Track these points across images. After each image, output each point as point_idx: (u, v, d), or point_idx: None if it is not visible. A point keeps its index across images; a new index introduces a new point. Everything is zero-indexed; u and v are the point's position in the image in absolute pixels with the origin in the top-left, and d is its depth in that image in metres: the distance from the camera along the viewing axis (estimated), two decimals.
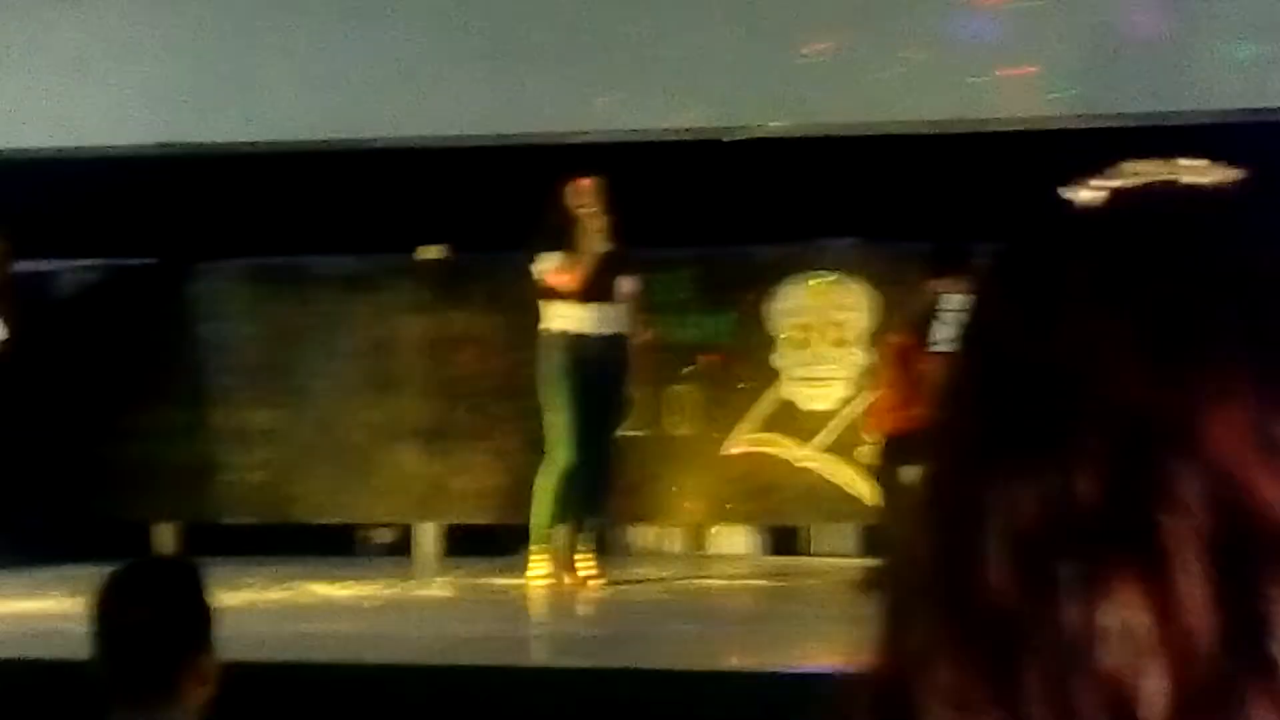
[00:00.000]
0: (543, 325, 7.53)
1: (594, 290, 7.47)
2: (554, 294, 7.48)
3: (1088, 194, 0.76)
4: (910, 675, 0.70)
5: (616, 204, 7.52)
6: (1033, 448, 0.69)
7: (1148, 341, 0.69)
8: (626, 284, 7.66)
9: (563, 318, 7.49)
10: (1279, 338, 0.70)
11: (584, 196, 7.46)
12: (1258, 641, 0.66)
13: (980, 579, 0.69)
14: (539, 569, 7.46)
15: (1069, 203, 0.76)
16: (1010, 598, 0.68)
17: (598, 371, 7.44)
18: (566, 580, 7.44)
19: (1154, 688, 0.66)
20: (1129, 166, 0.76)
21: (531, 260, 7.50)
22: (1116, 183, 0.76)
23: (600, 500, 7.63)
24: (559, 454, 7.41)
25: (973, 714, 0.68)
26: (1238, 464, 0.67)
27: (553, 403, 7.45)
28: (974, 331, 0.76)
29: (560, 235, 7.44)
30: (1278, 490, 0.67)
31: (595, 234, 7.42)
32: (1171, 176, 0.76)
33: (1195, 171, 0.76)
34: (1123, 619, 0.66)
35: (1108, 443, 0.68)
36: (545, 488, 7.46)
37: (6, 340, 8.24)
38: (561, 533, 7.58)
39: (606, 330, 7.53)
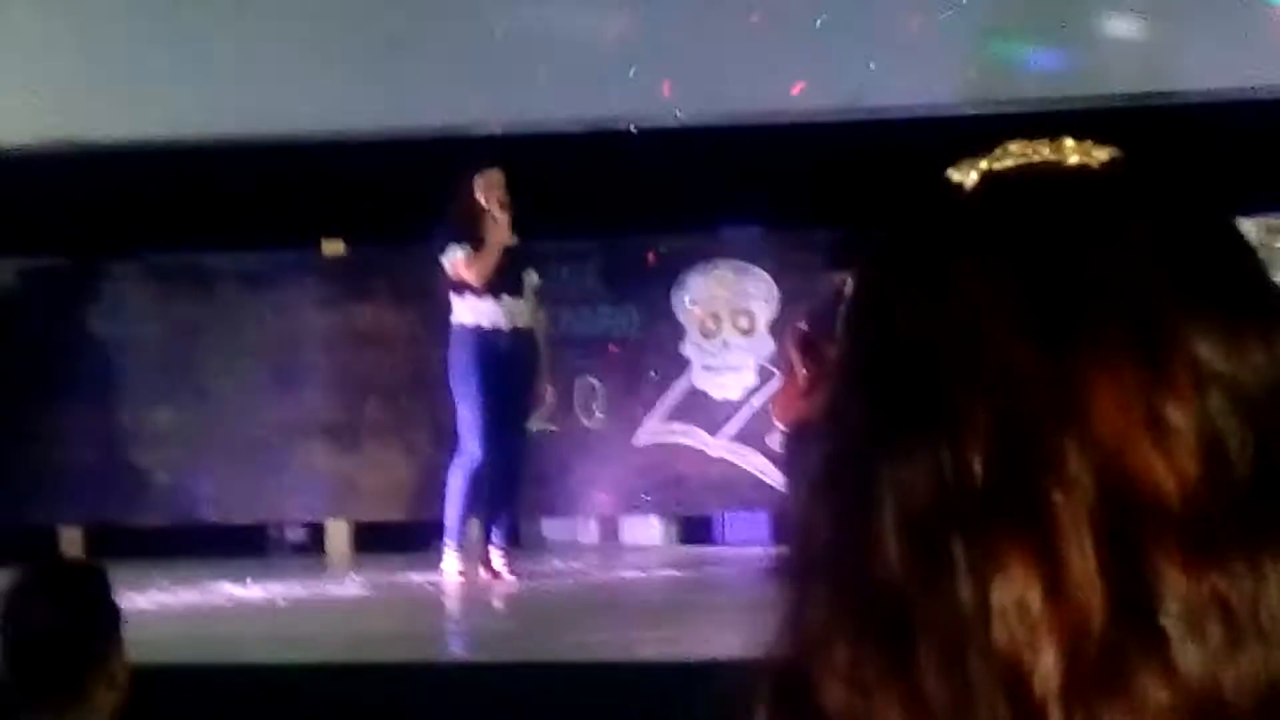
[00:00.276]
0: (454, 318, 7.52)
1: (501, 283, 7.45)
2: (464, 287, 7.46)
3: (970, 174, 0.76)
4: (809, 655, 0.71)
5: (519, 195, 7.51)
6: (921, 427, 0.70)
7: (1031, 319, 0.70)
8: (531, 277, 7.65)
9: (473, 311, 7.47)
10: (1157, 312, 0.70)
11: (492, 188, 7.43)
12: (1148, 614, 0.67)
13: (875, 558, 0.70)
14: (452, 564, 7.44)
15: (951, 183, 0.76)
16: (904, 576, 0.69)
17: (508, 365, 7.43)
18: (482, 574, 7.42)
19: (1047, 662, 0.67)
20: (1014, 146, 0.77)
21: (440, 252, 7.47)
22: (1000, 164, 0.76)
23: (513, 494, 7.62)
24: (470, 448, 7.40)
25: (869, 692, 0.69)
26: (1124, 438, 0.68)
27: (463, 396, 7.43)
28: (859, 313, 0.76)
29: (467, 227, 7.42)
30: (1162, 463, 0.68)
31: (503, 226, 7.41)
32: (1055, 157, 0.76)
33: (1081, 152, 0.76)
34: (1015, 595, 0.67)
35: (995, 420, 0.69)
36: (457, 482, 7.45)
37: None
38: (474, 527, 7.57)
39: (516, 324, 7.52)
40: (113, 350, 9.01)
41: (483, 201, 7.41)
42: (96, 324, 9.05)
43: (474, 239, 7.41)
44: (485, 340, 7.43)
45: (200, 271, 9.17)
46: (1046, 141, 0.77)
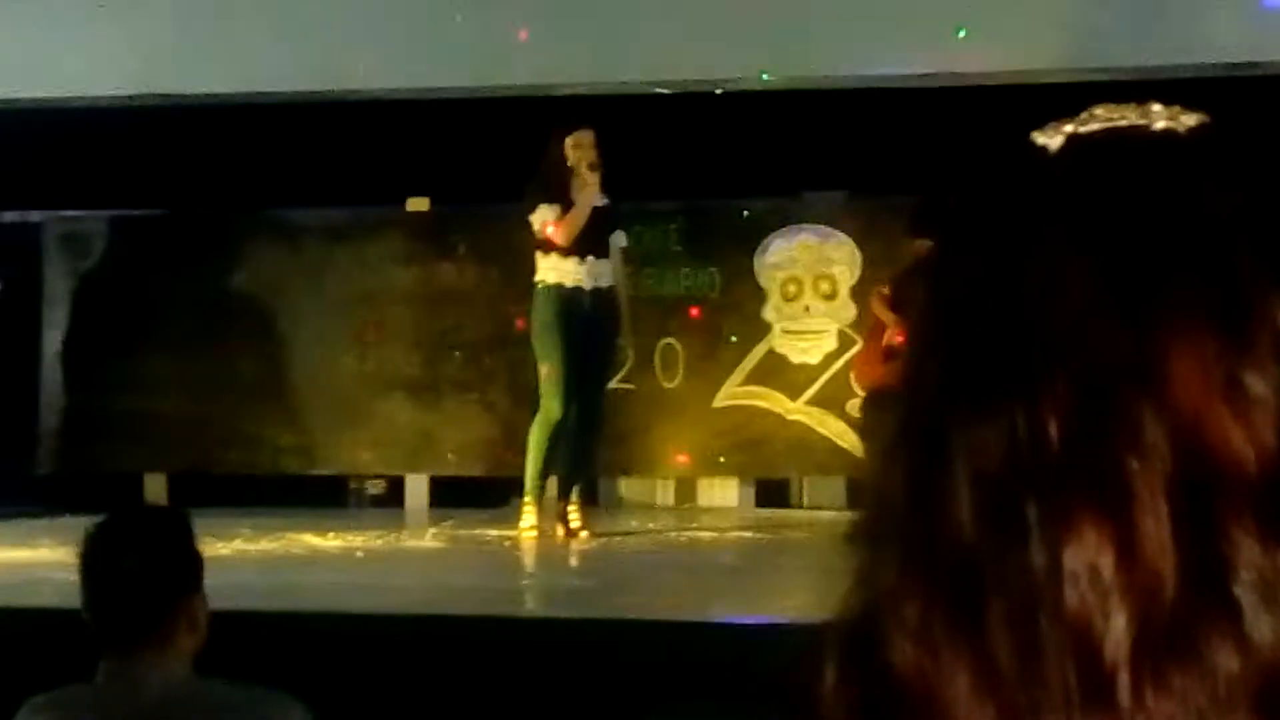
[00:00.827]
0: (538, 277, 7.54)
1: (587, 244, 7.46)
2: (549, 246, 7.48)
3: (1054, 138, 0.76)
4: (879, 613, 0.71)
5: (606, 156, 7.51)
6: (999, 391, 0.70)
7: (1111, 285, 0.70)
8: (618, 238, 7.66)
9: (556, 270, 7.49)
10: (1241, 281, 0.70)
11: (582, 149, 7.44)
12: (1221, 583, 0.67)
13: (947, 519, 0.70)
14: (529, 519, 7.49)
15: (1034, 147, 0.76)
16: (976, 537, 0.69)
17: (589, 325, 7.45)
18: (559, 532, 7.46)
19: (1118, 628, 0.67)
20: (1100, 110, 0.77)
21: (530, 211, 7.49)
22: (1085, 127, 0.76)
23: (592, 453, 7.64)
24: (551, 406, 7.43)
25: (938, 651, 0.69)
26: (1202, 406, 0.68)
27: (545, 355, 7.46)
28: (940, 274, 0.76)
29: (557, 187, 7.43)
30: (1241, 432, 0.68)
31: (592, 187, 7.41)
32: (1142, 122, 0.76)
33: (1167, 117, 0.76)
34: (1087, 560, 0.67)
35: (1073, 386, 0.69)
36: (537, 439, 7.48)
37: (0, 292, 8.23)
38: (552, 485, 7.60)
39: (599, 284, 7.53)
40: (199, 302, 9.10)
41: (572, 162, 7.42)
42: (184, 276, 9.15)
43: (563, 199, 7.42)
44: (568, 299, 7.44)
45: (287, 226, 9.24)
46: (1134, 105, 0.76)
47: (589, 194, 7.41)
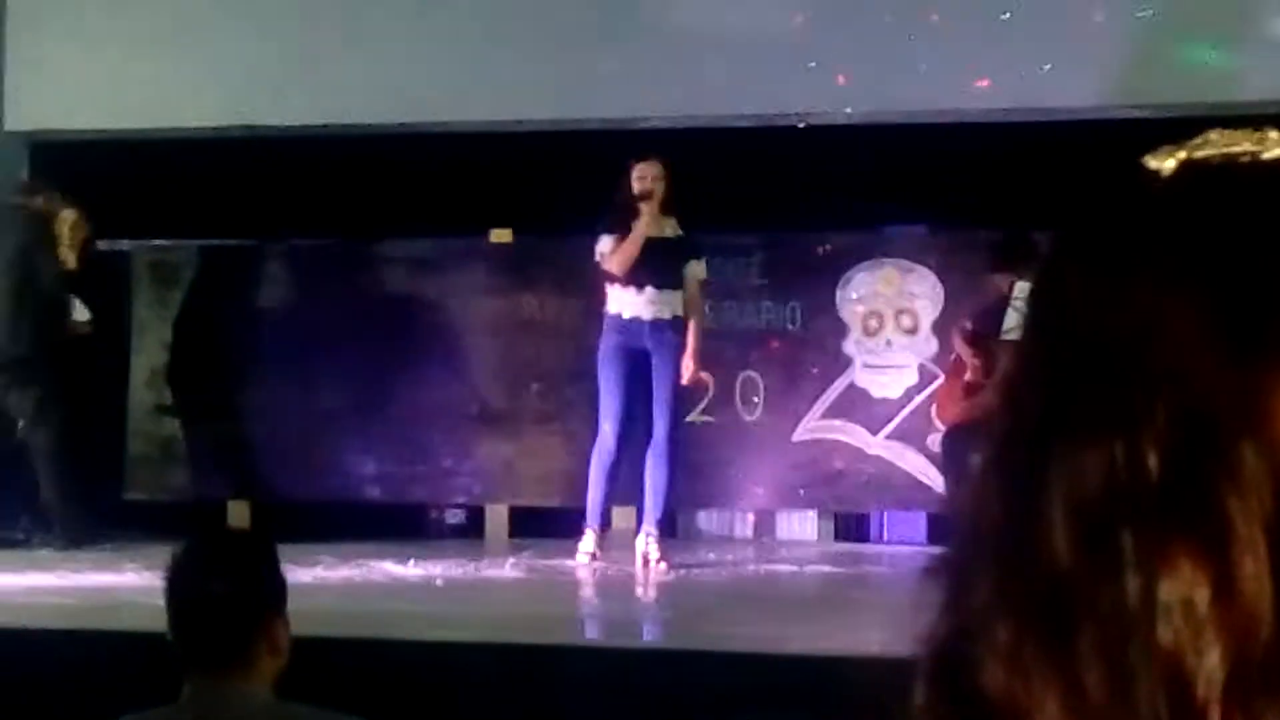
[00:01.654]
0: (605, 307, 7.61)
1: (650, 274, 7.49)
2: (611, 277, 7.54)
3: (1167, 163, 0.74)
4: (970, 635, 0.71)
5: (686, 188, 7.53)
6: (1100, 420, 0.69)
7: (1218, 319, 0.69)
8: (696, 269, 7.67)
9: (617, 300, 7.55)
10: None
11: (644, 180, 7.48)
12: None
13: (1043, 544, 0.69)
14: (588, 545, 7.53)
15: (1145, 172, 0.75)
16: (1071, 563, 0.69)
17: (647, 355, 7.49)
18: (639, 563, 7.48)
19: (1212, 664, 0.66)
20: (1214, 136, 0.75)
21: (597, 241, 7.56)
22: (1200, 153, 0.74)
23: (664, 483, 7.64)
24: (605, 433, 7.51)
25: (1029, 675, 0.69)
26: None
27: (602, 383, 7.55)
28: (1045, 303, 0.75)
29: (619, 217, 7.48)
30: None
31: (649, 216, 7.44)
32: (1257, 149, 0.74)
33: None
34: (1183, 594, 0.66)
35: (1173, 418, 0.68)
36: (593, 467, 7.56)
37: (90, 321, 8.34)
38: (630, 515, 7.63)
39: (659, 314, 7.54)
40: (284, 331, 9.19)
41: (635, 192, 7.47)
42: (270, 305, 9.24)
43: (624, 229, 7.47)
44: (624, 329, 7.50)
45: (372, 256, 9.32)
46: (1249, 131, 0.75)
47: (641, 225, 7.43)
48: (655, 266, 7.48)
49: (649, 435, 7.52)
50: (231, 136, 8.95)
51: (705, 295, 7.83)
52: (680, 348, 7.58)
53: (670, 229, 7.53)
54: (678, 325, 7.58)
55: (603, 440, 7.52)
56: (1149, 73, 8.03)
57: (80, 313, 8.31)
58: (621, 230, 7.47)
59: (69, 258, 8.26)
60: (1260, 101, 7.48)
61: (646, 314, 7.51)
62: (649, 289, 7.50)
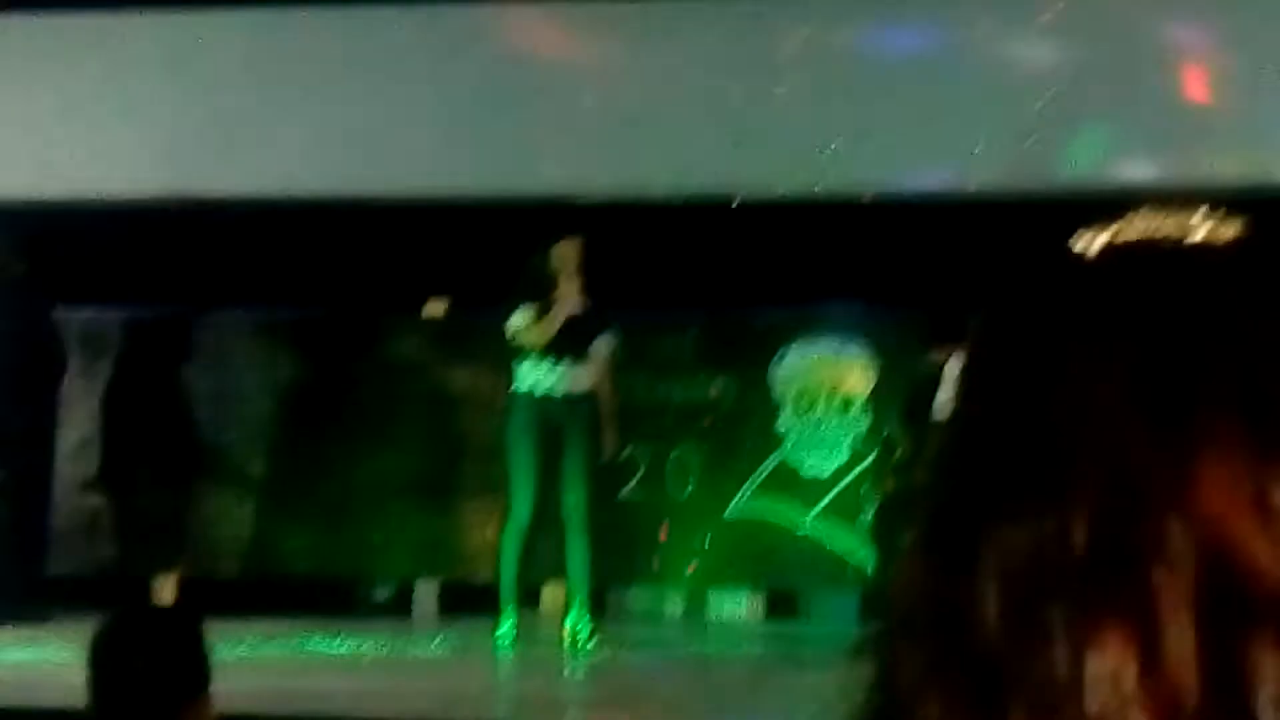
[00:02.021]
0: (513, 385, 7.61)
1: (562, 350, 7.51)
2: (524, 353, 7.55)
3: (1092, 245, 0.76)
4: (899, 711, 0.71)
5: (620, 264, 7.56)
6: (1029, 496, 0.70)
7: (1143, 395, 0.70)
8: (603, 345, 7.69)
9: (529, 378, 7.55)
10: (1271, 397, 0.70)
11: (564, 257, 7.53)
12: (1241, 698, 0.67)
13: (973, 619, 0.70)
14: (507, 625, 7.49)
15: (1068, 253, 0.76)
16: (1001, 637, 0.69)
17: (559, 432, 7.49)
18: (567, 642, 7.43)
19: None
20: (1137, 219, 0.77)
21: (506, 318, 7.60)
22: (1122, 236, 0.76)
23: (585, 559, 7.59)
24: (518, 512, 7.48)
25: None
26: (1228, 521, 0.68)
27: (512, 462, 7.52)
28: (974, 381, 0.77)
29: (540, 294, 7.51)
30: (1267, 548, 0.68)
31: (567, 294, 7.45)
32: (1178, 234, 0.76)
33: (1206, 228, 0.76)
34: (1110, 667, 0.67)
35: (1101, 493, 0.69)
36: (507, 546, 7.53)
37: None
38: (553, 592, 7.60)
39: (572, 389, 7.56)
40: (212, 403, 9.12)
41: (552, 270, 7.51)
42: (194, 377, 9.16)
43: (544, 306, 7.49)
44: (536, 406, 7.50)
45: (303, 328, 9.27)
46: (1172, 214, 0.76)
47: (563, 304, 7.47)
48: (569, 341, 7.51)
49: (563, 512, 7.51)
50: (162, 205, 8.90)
51: (610, 369, 7.82)
52: (593, 423, 7.58)
53: (580, 305, 7.57)
54: (590, 399, 7.59)
55: (516, 520, 7.51)
56: (1071, 156, 8.13)
57: None
58: (533, 305, 7.48)
59: None
60: (1185, 186, 7.57)
61: (560, 389, 7.53)
62: (564, 364, 7.53)
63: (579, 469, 7.56)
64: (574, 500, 7.53)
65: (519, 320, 7.53)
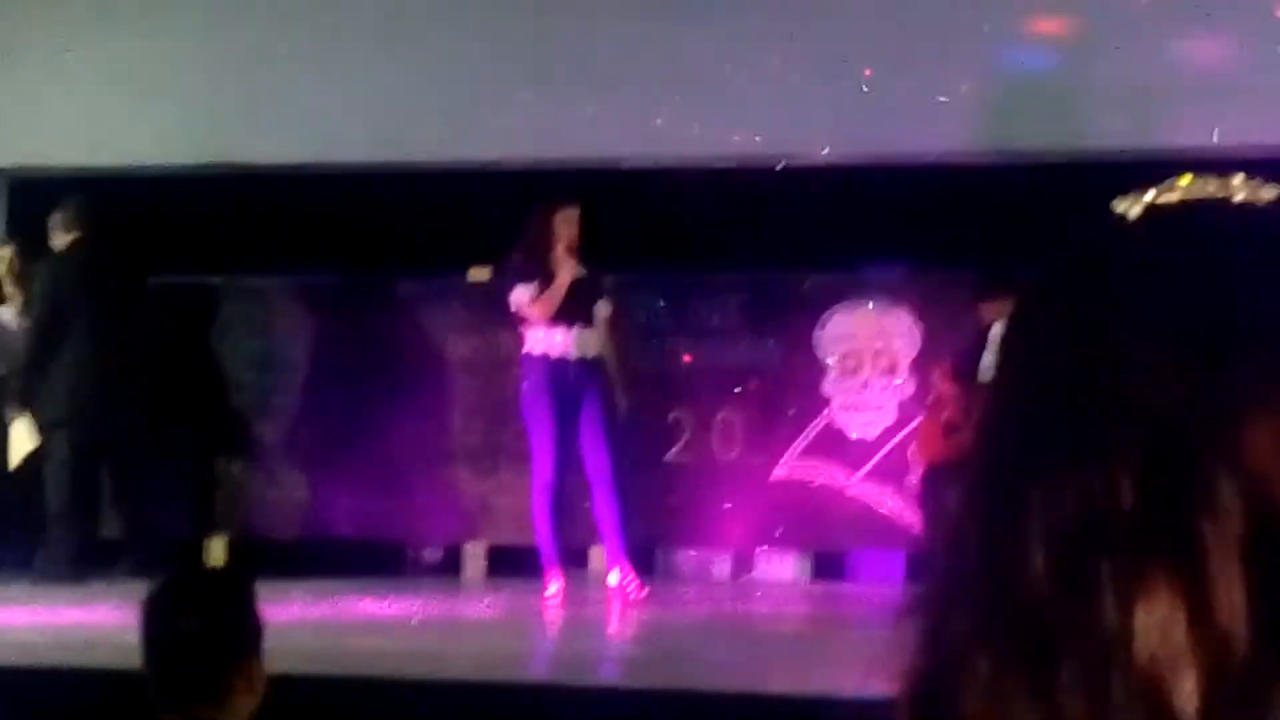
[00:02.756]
0: (525, 348, 7.66)
1: (571, 314, 7.55)
2: (532, 322, 7.58)
3: (1134, 207, 0.77)
4: (950, 666, 0.72)
5: (664, 229, 7.57)
6: (1076, 452, 0.71)
7: (1187, 352, 0.71)
8: (602, 308, 7.70)
9: (539, 343, 7.60)
10: None
11: (568, 225, 7.55)
12: None
13: (1021, 574, 0.71)
14: (553, 588, 7.57)
15: (1115, 214, 0.77)
16: (1049, 593, 0.70)
17: (577, 394, 7.52)
18: (617, 601, 7.49)
19: (1188, 686, 0.67)
20: (1181, 181, 0.78)
21: (509, 290, 7.62)
22: (1165, 198, 0.77)
23: (620, 518, 7.63)
24: (540, 472, 7.56)
25: (1009, 705, 0.70)
26: (1274, 469, 0.69)
27: (533, 425, 7.57)
28: (1018, 337, 0.78)
29: (539, 261, 7.53)
30: None
31: (569, 261, 7.49)
32: (1222, 194, 0.77)
33: (1249, 190, 0.77)
34: (1159, 618, 0.68)
35: (1148, 447, 0.70)
36: (537, 508, 7.60)
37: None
38: (598, 555, 7.65)
39: (585, 354, 7.60)
40: (261, 368, 9.18)
41: (556, 238, 7.53)
42: (246, 342, 9.22)
43: (544, 274, 7.52)
44: (551, 370, 7.55)
45: (349, 294, 9.31)
46: (1215, 177, 0.77)
47: (565, 274, 7.52)
48: (576, 306, 7.56)
49: (590, 475, 7.55)
50: (208, 174, 8.95)
51: (612, 332, 7.84)
52: (607, 384, 7.59)
53: (580, 270, 7.58)
54: (599, 363, 7.63)
55: (542, 483, 7.58)
56: (1125, 117, 8.07)
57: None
58: (534, 275, 7.51)
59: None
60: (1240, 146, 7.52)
61: (574, 353, 7.58)
62: (576, 328, 7.57)
63: (598, 430, 7.60)
64: (598, 461, 7.57)
65: (524, 294, 7.55)
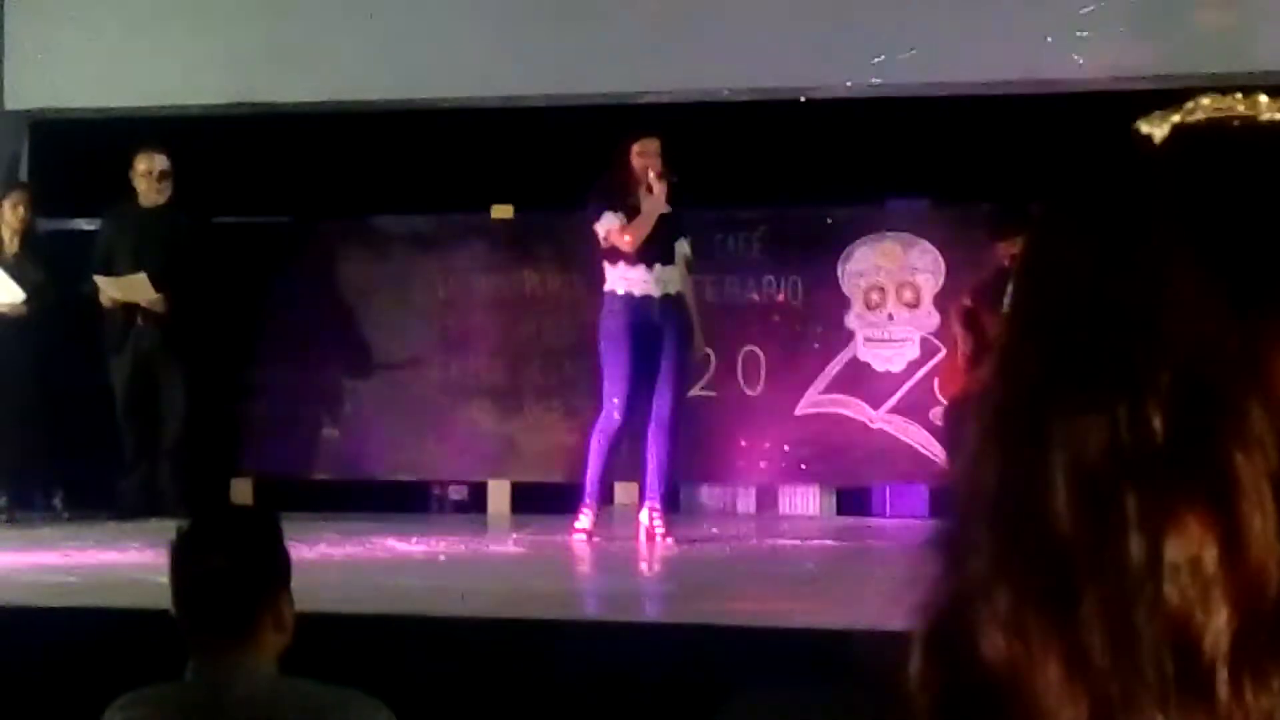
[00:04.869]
0: (606, 286, 7.58)
1: (655, 252, 7.48)
2: (616, 255, 7.51)
3: (1160, 127, 0.74)
4: (969, 602, 0.71)
5: (687, 163, 7.52)
6: (1102, 382, 0.69)
7: (1218, 277, 0.69)
8: (682, 245, 7.66)
9: (625, 279, 7.52)
10: None
11: (648, 156, 7.45)
12: None
13: (1044, 508, 0.69)
14: (584, 522, 7.54)
15: (1139, 135, 0.75)
16: (1073, 527, 0.68)
17: (658, 332, 7.47)
18: (642, 537, 7.50)
19: (1220, 623, 0.66)
20: (1206, 101, 0.75)
21: (594, 219, 7.52)
22: (1191, 117, 0.75)
23: (668, 459, 7.64)
24: (612, 412, 7.49)
25: (1030, 641, 0.69)
26: None
27: (610, 363, 7.51)
28: (1039, 264, 0.75)
29: (622, 195, 7.46)
30: None
31: (658, 195, 7.42)
32: (1250, 113, 0.74)
33: (1276, 108, 0.74)
34: (1190, 553, 0.66)
35: (1178, 378, 0.68)
36: (597, 444, 7.55)
37: (24, 301, 8.27)
38: (632, 491, 7.64)
39: (667, 290, 7.54)
40: (287, 308, 9.19)
41: (638, 169, 7.44)
42: (272, 282, 9.23)
43: (628, 207, 7.44)
44: (636, 307, 7.47)
45: (372, 233, 9.31)
46: (1240, 97, 0.75)
47: (654, 201, 7.41)
48: (659, 243, 7.47)
49: (652, 412, 7.51)
50: (231, 114, 8.94)
51: (691, 270, 7.79)
52: (687, 323, 7.58)
53: (664, 205, 7.52)
54: (681, 301, 7.58)
55: (608, 419, 7.51)
56: (1151, 44, 8.01)
57: (12, 294, 8.26)
58: (623, 208, 7.45)
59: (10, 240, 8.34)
60: (1264, 72, 7.47)
61: (656, 291, 7.51)
62: (657, 265, 7.50)
63: (671, 369, 7.55)
64: (663, 401, 7.53)
65: (613, 220, 7.47)
